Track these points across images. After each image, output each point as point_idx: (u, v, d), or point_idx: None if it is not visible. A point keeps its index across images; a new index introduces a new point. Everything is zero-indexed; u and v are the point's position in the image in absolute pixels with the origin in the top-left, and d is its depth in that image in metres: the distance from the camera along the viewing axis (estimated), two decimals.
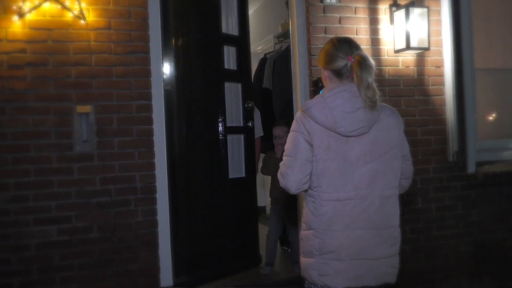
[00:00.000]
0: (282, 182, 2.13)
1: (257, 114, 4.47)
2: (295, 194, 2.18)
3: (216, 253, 3.94)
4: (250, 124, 4.18)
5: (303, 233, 2.18)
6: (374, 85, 2.03)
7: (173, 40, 3.80)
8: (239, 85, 4.17)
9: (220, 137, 3.99)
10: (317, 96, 2.14)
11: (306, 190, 2.15)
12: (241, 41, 4.23)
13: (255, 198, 4.33)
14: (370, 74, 2.02)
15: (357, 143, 2.06)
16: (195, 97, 3.94)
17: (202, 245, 3.89)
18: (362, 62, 2.03)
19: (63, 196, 3.23)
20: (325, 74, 2.18)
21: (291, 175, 2.08)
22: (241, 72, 4.22)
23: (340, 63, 2.09)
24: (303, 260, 2.18)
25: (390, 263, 2.14)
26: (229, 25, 4.15)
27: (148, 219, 3.39)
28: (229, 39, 4.11)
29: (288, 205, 4.04)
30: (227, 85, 4.07)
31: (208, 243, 3.93)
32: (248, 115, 4.19)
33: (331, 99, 2.05)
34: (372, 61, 2.06)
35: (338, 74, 2.11)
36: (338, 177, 2.06)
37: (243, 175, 4.19)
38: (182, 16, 3.88)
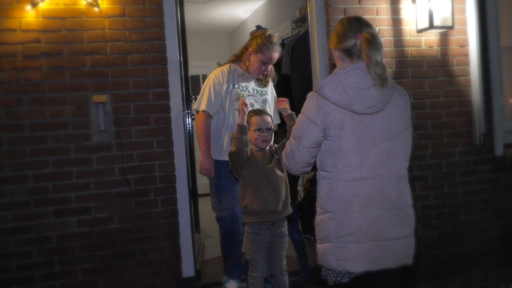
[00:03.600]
0: (285, 161, 2.21)
1: None
2: (296, 175, 2.35)
3: None
4: None
5: (319, 218, 2.14)
6: (384, 62, 2.01)
7: None
8: None
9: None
10: (329, 75, 2.12)
11: (308, 172, 2.21)
12: None
13: None
14: (379, 52, 2.00)
15: (373, 121, 2.04)
16: None
17: None
18: (371, 39, 2.01)
19: (82, 187, 3.21)
20: (336, 54, 2.17)
21: (291, 159, 2.16)
22: None
23: (350, 42, 2.08)
24: (320, 246, 2.14)
25: (407, 243, 2.12)
26: None
27: (168, 209, 3.35)
28: None
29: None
30: None
31: None
32: None
33: (344, 77, 2.03)
34: (381, 39, 2.06)
35: (349, 53, 2.10)
36: (354, 156, 2.03)
37: None
38: None
